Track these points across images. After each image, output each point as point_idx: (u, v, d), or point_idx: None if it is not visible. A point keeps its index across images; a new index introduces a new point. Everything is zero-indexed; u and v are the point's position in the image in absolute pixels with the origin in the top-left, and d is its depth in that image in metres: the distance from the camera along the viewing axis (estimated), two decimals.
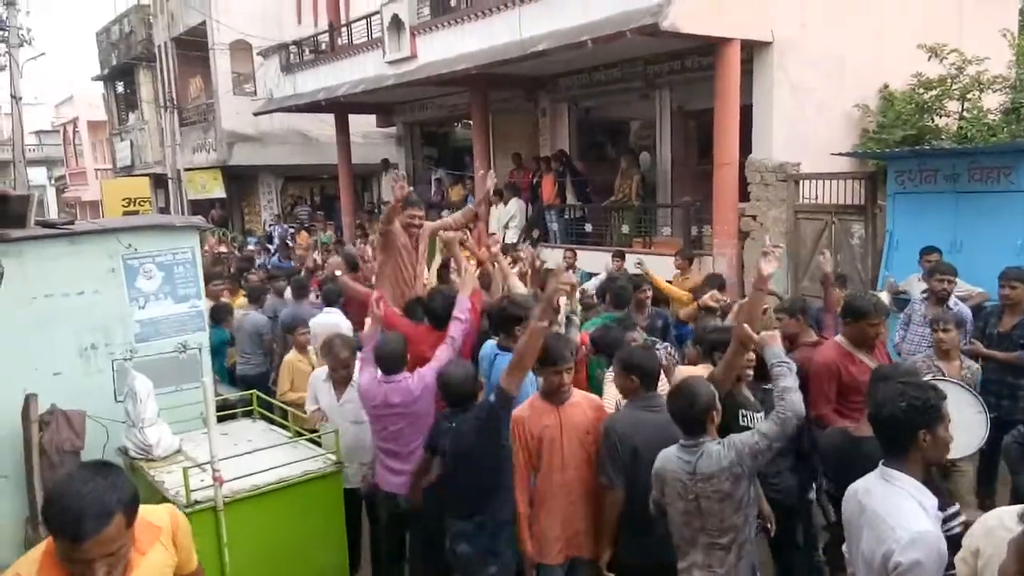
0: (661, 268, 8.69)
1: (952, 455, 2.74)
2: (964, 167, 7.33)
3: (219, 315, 6.83)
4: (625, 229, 11.06)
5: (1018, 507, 2.00)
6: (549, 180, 12.21)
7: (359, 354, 4.51)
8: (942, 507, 2.40)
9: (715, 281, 6.77)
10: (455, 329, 4.30)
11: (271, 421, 4.89)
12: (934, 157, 7.72)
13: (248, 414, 5.08)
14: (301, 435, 4.50)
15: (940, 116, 9.93)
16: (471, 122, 13.52)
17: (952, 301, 5.57)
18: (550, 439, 3.55)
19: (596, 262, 10.24)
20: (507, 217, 12.21)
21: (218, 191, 20.50)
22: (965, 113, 9.84)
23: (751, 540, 3.11)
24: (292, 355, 6.02)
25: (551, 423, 3.56)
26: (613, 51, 10.26)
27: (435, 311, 4.60)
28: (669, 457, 3.11)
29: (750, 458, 2.93)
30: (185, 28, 20.19)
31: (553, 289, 3.59)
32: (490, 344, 4.67)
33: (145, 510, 2.29)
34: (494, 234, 11.56)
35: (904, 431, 2.34)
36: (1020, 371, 5.06)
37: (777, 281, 9.33)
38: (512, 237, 11.58)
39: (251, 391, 5.27)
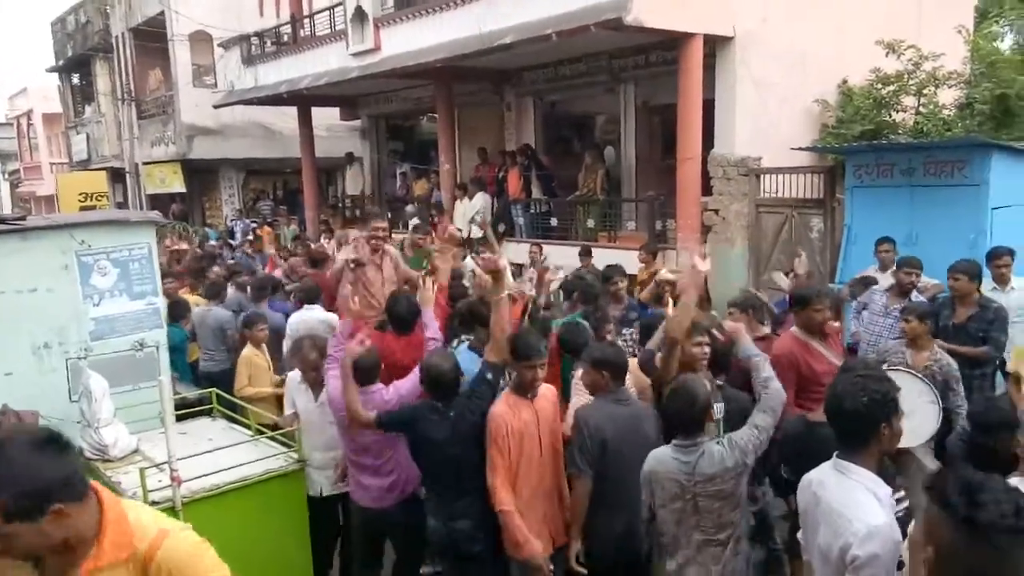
0: (626, 262, 8.70)
1: (904, 444, 2.79)
2: (920, 161, 7.46)
3: (177, 312, 6.70)
4: (590, 223, 11.14)
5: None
6: (515, 174, 12.21)
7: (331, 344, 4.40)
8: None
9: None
10: (431, 348, 4.25)
11: (232, 419, 4.82)
12: (891, 151, 7.85)
13: (209, 412, 5.00)
14: (261, 432, 4.44)
15: (897, 111, 10.10)
16: (436, 116, 13.46)
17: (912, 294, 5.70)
18: (530, 434, 3.58)
19: (562, 256, 10.25)
20: (472, 211, 12.17)
21: (178, 185, 20.15)
22: (921, 108, 10.04)
23: (746, 535, 3.14)
24: (248, 350, 5.94)
25: (530, 419, 3.59)
26: (578, 45, 10.29)
27: (399, 315, 4.57)
28: (662, 459, 3.07)
29: (753, 454, 2.98)
30: (143, 18, 19.80)
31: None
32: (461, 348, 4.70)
33: (138, 519, 1.84)
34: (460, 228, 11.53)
35: (866, 425, 2.34)
36: (975, 363, 5.16)
37: (738, 274, 9.44)
38: (477, 232, 11.55)
39: (212, 389, 5.20)
